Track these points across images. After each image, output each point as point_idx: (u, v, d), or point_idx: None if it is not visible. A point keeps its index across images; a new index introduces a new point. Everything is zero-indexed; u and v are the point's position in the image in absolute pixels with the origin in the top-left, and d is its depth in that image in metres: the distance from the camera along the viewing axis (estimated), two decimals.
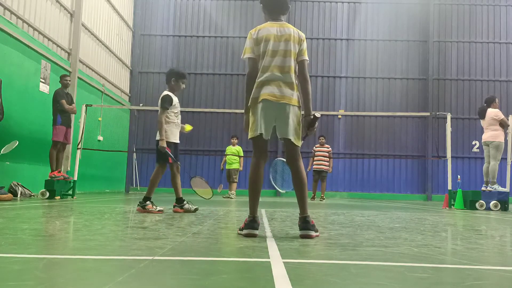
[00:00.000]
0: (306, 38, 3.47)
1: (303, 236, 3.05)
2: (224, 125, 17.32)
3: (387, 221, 4.85)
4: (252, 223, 3.07)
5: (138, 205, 5.30)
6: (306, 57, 3.29)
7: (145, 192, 5.40)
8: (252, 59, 3.25)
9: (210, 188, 6.53)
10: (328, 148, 12.77)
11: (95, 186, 13.69)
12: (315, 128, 3.29)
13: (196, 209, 5.51)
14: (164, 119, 5.43)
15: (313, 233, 3.07)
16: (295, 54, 3.25)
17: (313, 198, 12.60)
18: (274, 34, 3.24)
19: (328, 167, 12.64)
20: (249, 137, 3.21)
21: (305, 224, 3.07)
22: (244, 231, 3.08)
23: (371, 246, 2.78)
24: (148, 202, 5.28)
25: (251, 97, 3.20)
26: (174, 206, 5.50)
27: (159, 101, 5.49)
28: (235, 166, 12.42)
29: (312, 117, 3.26)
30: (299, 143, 3.19)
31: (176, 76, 5.59)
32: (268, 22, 3.33)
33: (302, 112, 3.28)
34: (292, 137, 3.14)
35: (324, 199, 12.51)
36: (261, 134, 3.13)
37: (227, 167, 12.52)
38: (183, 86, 5.67)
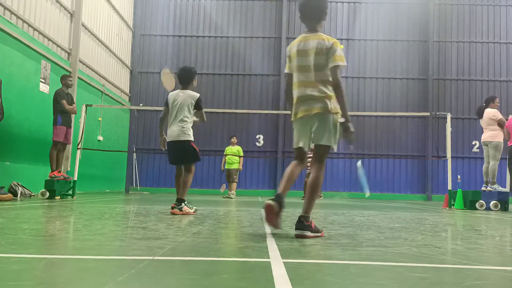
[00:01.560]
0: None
1: (297, 236, 3.10)
2: (224, 125, 17.32)
3: (387, 221, 4.85)
4: (277, 197, 3.17)
5: (174, 207, 5.17)
6: (337, 62, 3.24)
7: (180, 195, 5.27)
8: (288, 74, 3.45)
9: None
10: None
11: (95, 186, 13.69)
12: (351, 133, 3.30)
13: (195, 211, 5.38)
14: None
15: (308, 233, 3.09)
16: (321, 66, 3.26)
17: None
18: (296, 50, 3.35)
19: None
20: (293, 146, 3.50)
21: (299, 224, 3.12)
22: (267, 202, 3.14)
23: (371, 246, 2.78)
24: (183, 204, 5.21)
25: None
26: (172, 208, 5.21)
27: (198, 103, 5.33)
28: (235, 166, 12.43)
29: (346, 125, 3.30)
30: (330, 144, 3.28)
31: (196, 73, 5.50)
32: (300, 35, 3.42)
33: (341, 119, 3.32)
34: (320, 142, 3.28)
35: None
36: (300, 146, 3.38)
37: (227, 167, 12.51)
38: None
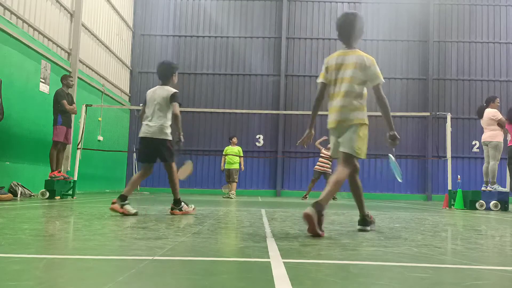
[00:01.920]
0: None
1: (304, 215, 3.25)
2: (224, 125, 17.33)
3: (387, 221, 4.85)
4: (362, 221, 3.78)
5: (174, 208, 5.09)
6: (378, 80, 3.55)
7: (173, 195, 5.17)
8: (321, 84, 3.67)
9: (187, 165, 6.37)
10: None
11: (95, 186, 13.69)
12: (396, 142, 3.62)
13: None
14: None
15: (314, 217, 3.25)
16: (357, 80, 3.51)
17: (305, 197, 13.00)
18: (335, 63, 3.58)
19: (330, 170, 12.99)
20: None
21: (314, 205, 3.29)
22: (358, 227, 3.75)
23: (371, 246, 2.78)
24: (183, 204, 5.12)
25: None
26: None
27: (172, 96, 5.00)
28: (236, 166, 12.43)
29: (391, 133, 3.61)
30: (355, 153, 3.51)
31: (176, 69, 5.24)
32: (338, 51, 3.67)
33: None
34: (343, 149, 3.55)
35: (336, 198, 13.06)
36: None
37: (227, 167, 12.50)
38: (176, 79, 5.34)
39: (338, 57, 3.58)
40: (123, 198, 4.78)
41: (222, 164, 12.84)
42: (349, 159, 3.53)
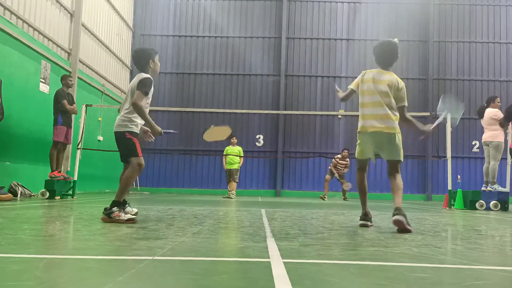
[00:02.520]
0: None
1: (395, 222, 3.70)
2: (224, 125, 17.31)
3: (387, 221, 4.85)
4: (364, 216, 4.15)
5: (103, 213, 4.09)
6: (405, 103, 4.11)
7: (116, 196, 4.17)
8: (350, 90, 4.24)
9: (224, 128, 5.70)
10: (347, 161, 13.50)
11: (95, 186, 13.70)
12: (430, 134, 4.29)
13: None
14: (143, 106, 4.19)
15: (404, 221, 3.68)
16: (388, 95, 4.03)
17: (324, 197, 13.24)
18: (373, 77, 4.11)
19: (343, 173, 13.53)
20: (356, 157, 4.34)
21: (397, 211, 3.75)
22: (360, 222, 4.15)
23: (371, 246, 2.78)
24: (115, 209, 4.03)
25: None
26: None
27: (138, 83, 4.20)
28: (236, 166, 12.44)
29: (423, 136, 4.40)
30: (400, 158, 4.15)
31: (154, 55, 4.44)
32: (376, 69, 4.19)
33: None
34: (393, 158, 4.14)
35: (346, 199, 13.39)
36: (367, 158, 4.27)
37: (228, 167, 12.51)
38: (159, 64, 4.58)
39: (376, 73, 4.12)
40: (113, 205, 4.07)
41: (224, 164, 12.85)
42: (398, 164, 4.16)
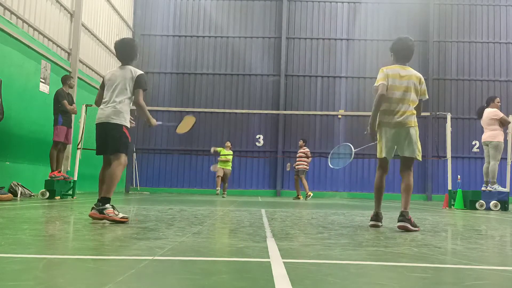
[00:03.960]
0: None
1: (399, 227, 3.76)
2: (224, 125, 17.32)
3: (387, 221, 4.84)
4: (375, 216, 4.10)
5: (94, 208, 3.88)
6: (426, 96, 4.17)
7: (106, 193, 3.94)
8: (384, 85, 4.05)
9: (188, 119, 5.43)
10: (305, 149, 13.13)
11: (95, 186, 13.64)
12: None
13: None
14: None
15: (409, 226, 3.74)
16: (413, 90, 4.07)
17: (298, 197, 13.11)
18: (398, 73, 4.08)
19: (305, 166, 12.99)
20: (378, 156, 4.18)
21: (402, 217, 3.78)
22: (370, 223, 4.11)
23: (371, 246, 2.78)
24: (108, 206, 3.86)
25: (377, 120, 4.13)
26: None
27: (138, 80, 4.11)
28: (229, 167, 12.96)
29: None
30: (418, 156, 4.07)
31: (136, 49, 4.30)
32: (395, 65, 4.17)
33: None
34: (409, 154, 4.05)
35: (301, 198, 12.90)
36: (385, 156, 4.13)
37: (224, 166, 12.85)
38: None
39: (401, 70, 4.10)
40: (103, 201, 3.87)
41: (215, 166, 13.10)
42: (413, 162, 4.11)
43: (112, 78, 4.17)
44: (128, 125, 4.17)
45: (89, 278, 1.73)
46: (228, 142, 13.26)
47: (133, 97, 4.21)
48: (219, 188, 12.74)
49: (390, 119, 4.03)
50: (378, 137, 4.13)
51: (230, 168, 13.03)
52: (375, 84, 4.12)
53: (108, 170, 4.03)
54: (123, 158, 4.04)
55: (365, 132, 4.25)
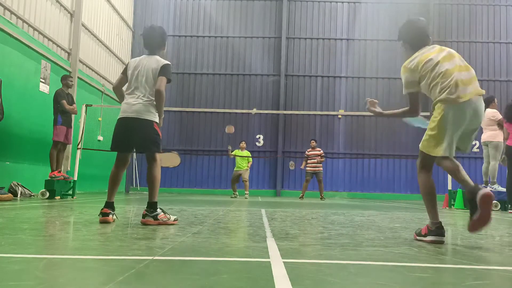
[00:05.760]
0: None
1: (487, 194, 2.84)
2: (224, 125, 17.26)
3: (387, 221, 4.85)
4: (439, 230, 3.03)
5: (146, 215, 3.83)
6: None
7: (150, 197, 3.94)
8: (414, 94, 3.44)
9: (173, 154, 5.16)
10: (319, 150, 13.33)
11: (95, 186, 13.69)
12: None
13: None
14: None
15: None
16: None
17: (301, 197, 13.24)
18: (443, 56, 3.23)
19: (321, 168, 13.23)
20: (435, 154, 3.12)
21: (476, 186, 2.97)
22: (431, 238, 3.01)
23: (371, 246, 2.78)
24: (159, 210, 3.87)
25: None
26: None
27: (162, 69, 3.89)
28: (244, 168, 12.98)
29: None
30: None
31: (164, 36, 4.13)
32: (433, 46, 3.39)
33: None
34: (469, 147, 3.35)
35: (323, 198, 13.06)
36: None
37: (236, 169, 13.02)
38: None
39: (440, 52, 3.26)
40: (152, 207, 3.86)
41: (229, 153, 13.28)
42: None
43: (138, 67, 3.96)
44: (158, 120, 3.95)
45: (89, 278, 1.73)
46: (242, 142, 13.28)
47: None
48: (235, 193, 12.82)
49: (465, 90, 3.08)
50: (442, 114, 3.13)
51: (244, 168, 12.97)
52: (404, 91, 3.51)
53: (149, 173, 3.92)
54: (157, 157, 3.93)
55: None
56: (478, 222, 2.81)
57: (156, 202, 3.88)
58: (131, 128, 3.87)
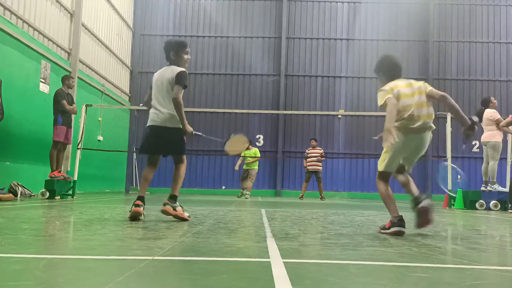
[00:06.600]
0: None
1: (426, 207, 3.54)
2: (224, 125, 17.32)
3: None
4: (401, 222, 3.52)
5: (167, 204, 4.24)
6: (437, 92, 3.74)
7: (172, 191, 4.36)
8: (391, 99, 3.66)
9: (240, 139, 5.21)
10: (320, 150, 13.38)
11: (95, 186, 13.69)
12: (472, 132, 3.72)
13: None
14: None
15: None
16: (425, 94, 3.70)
17: (301, 197, 13.26)
18: (410, 90, 3.70)
19: (320, 168, 13.29)
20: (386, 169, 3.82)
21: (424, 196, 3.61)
22: (394, 229, 3.52)
23: (371, 246, 2.78)
24: (178, 203, 4.30)
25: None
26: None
27: (176, 77, 4.21)
28: (251, 166, 13.19)
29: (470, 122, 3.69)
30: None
31: (174, 48, 4.41)
32: (402, 79, 3.87)
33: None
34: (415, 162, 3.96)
35: (323, 198, 13.07)
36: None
37: (245, 167, 13.26)
38: (187, 57, 4.48)
39: (407, 88, 3.72)
40: (174, 198, 4.28)
41: (237, 165, 13.50)
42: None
43: (159, 78, 4.36)
44: (185, 123, 4.31)
45: (89, 278, 1.73)
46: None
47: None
48: (243, 190, 12.99)
49: (417, 124, 3.65)
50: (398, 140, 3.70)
51: (252, 168, 13.20)
52: (380, 103, 3.75)
53: (176, 172, 4.41)
54: (185, 159, 4.44)
55: None
56: (419, 225, 3.58)
57: (177, 196, 4.34)
58: (159, 135, 4.32)
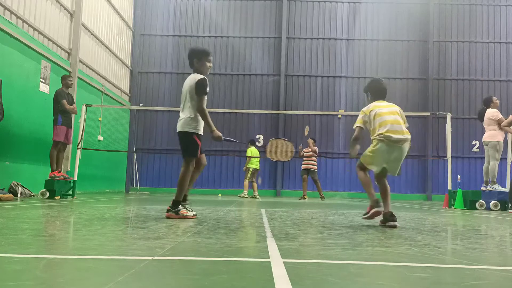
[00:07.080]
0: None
1: (393, 226, 4.10)
2: (224, 125, 17.31)
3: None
4: (378, 203, 4.26)
5: (169, 210, 4.48)
6: (407, 124, 4.59)
7: (175, 195, 4.54)
8: (360, 128, 4.65)
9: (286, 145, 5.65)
10: (315, 146, 13.40)
11: (95, 186, 13.69)
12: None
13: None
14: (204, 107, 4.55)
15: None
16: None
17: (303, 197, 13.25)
18: (388, 110, 4.52)
19: (316, 167, 13.35)
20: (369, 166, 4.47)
21: (393, 216, 4.17)
22: (374, 210, 4.25)
23: (371, 246, 2.78)
24: (180, 207, 4.48)
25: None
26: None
27: (195, 85, 4.53)
28: (249, 165, 13.36)
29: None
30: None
31: (198, 55, 4.67)
32: (378, 101, 4.62)
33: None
34: (397, 173, 4.59)
35: (323, 198, 13.10)
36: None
37: (255, 167, 13.54)
38: (210, 64, 4.75)
39: (387, 106, 4.61)
40: (174, 204, 4.47)
41: (246, 165, 13.67)
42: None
43: (184, 86, 4.73)
44: (197, 131, 4.63)
45: (89, 278, 1.73)
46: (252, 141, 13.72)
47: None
48: (255, 193, 13.13)
49: (394, 136, 4.43)
50: (374, 147, 4.50)
51: (254, 166, 13.43)
52: (354, 125, 4.74)
53: (180, 174, 4.61)
54: (189, 161, 4.56)
55: None
56: (370, 218, 4.35)
57: (179, 201, 4.48)
58: (178, 139, 4.66)
